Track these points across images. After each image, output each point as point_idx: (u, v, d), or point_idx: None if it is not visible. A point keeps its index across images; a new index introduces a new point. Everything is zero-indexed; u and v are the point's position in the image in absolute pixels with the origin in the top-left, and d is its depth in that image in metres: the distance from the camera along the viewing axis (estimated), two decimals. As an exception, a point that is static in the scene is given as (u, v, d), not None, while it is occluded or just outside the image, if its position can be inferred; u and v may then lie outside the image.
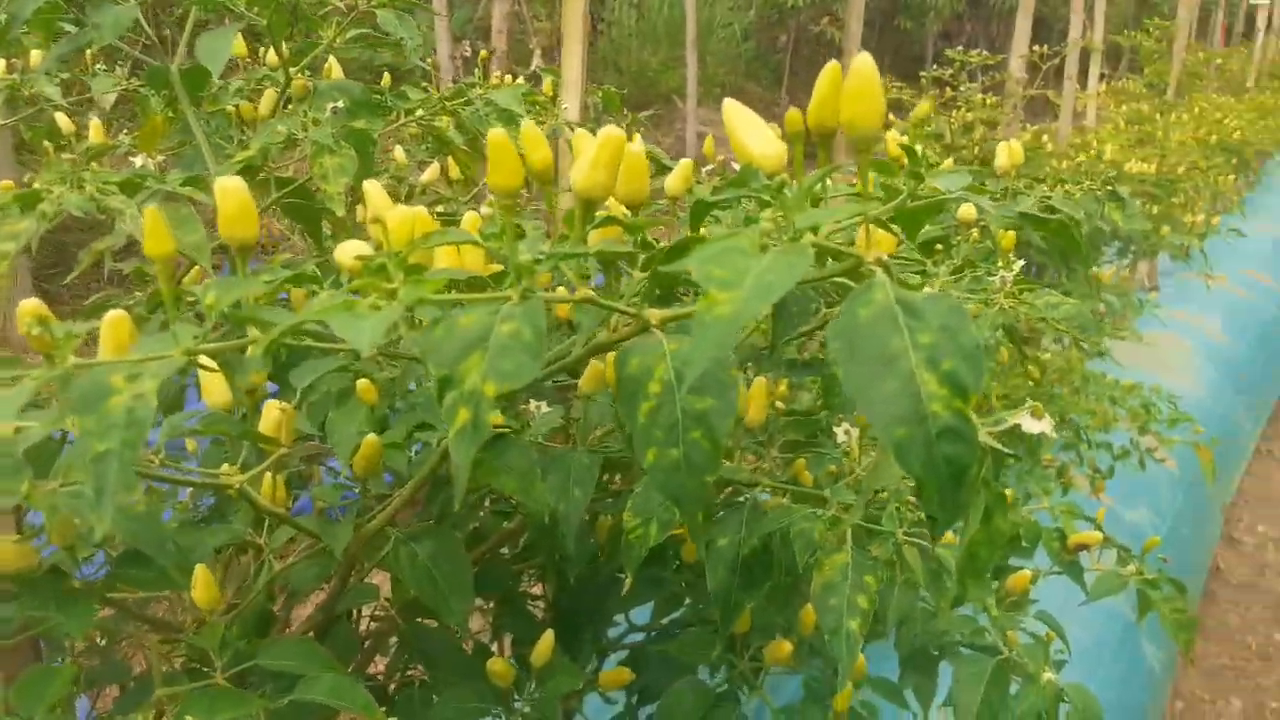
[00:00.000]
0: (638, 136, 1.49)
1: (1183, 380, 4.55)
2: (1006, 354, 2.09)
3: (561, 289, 0.64)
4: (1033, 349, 2.41)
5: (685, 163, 0.73)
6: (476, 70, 1.18)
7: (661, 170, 1.51)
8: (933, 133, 3.16)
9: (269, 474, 0.79)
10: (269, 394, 0.88)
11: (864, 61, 0.41)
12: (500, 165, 0.45)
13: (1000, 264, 0.91)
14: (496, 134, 0.45)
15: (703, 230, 0.52)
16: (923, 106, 0.63)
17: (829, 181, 0.61)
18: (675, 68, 10.13)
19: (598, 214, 0.52)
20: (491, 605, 1.22)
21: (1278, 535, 4.23)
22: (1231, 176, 5.07)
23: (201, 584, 0.75)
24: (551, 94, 1.45)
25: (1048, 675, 0.89)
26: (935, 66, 3.37)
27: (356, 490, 0.95)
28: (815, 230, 0.39)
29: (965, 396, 0.37)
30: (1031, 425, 0.41)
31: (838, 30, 10.62)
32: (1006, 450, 0.41)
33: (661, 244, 0.60)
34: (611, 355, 0.63)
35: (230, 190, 0.48)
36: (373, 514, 0.80)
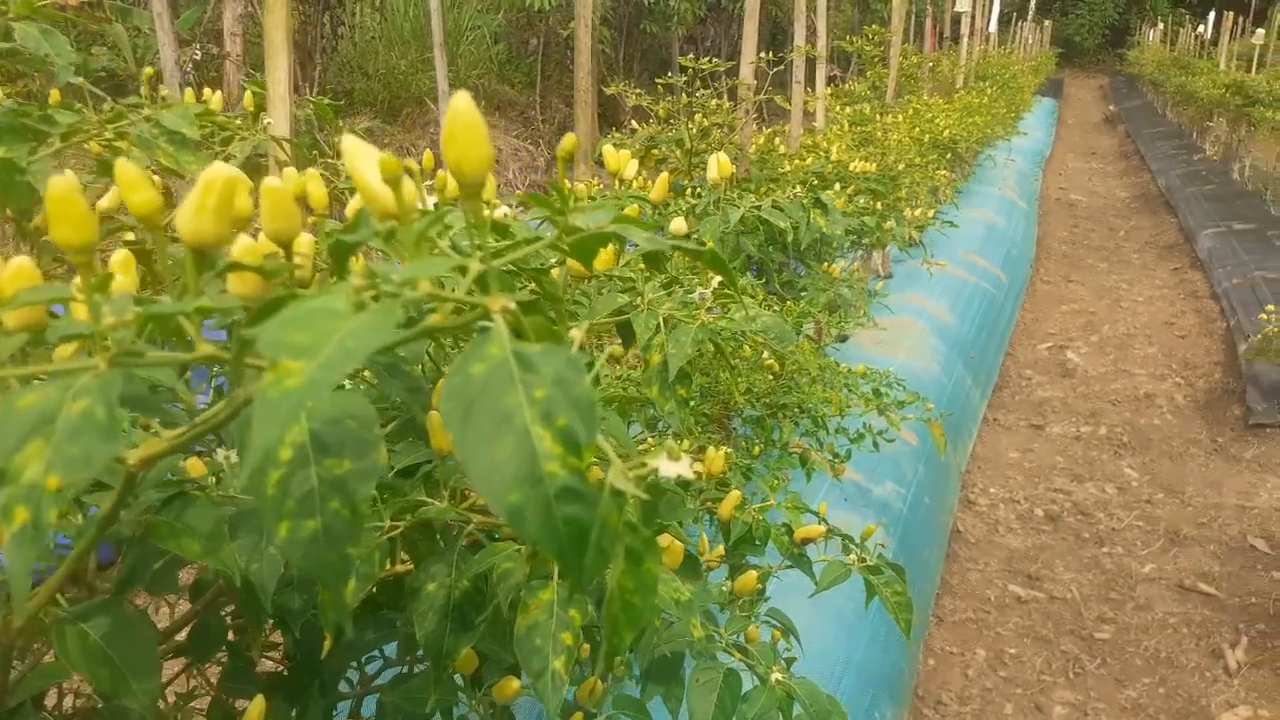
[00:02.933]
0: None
1: (919, 359, 4.93)
2: (749, 350, 2.17)
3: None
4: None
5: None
6: (190, 85, 1.07)
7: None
8: (674, 138, 3.25)
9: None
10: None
11: (462, 102, 0.38)
12: (63, 218, 0.39)
13: (700, 280, 0.93)
14: (55, 183, 0.39)
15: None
16: (568, 139, 0.61)
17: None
18: (425, 70, 9.94)
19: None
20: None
21: (1006, 495, 4.65)
22: (944, 171, 5.53)
23: None
24: (254, 108, 1.36)
25: (776, 675, 0.91)
26: (669, 74, 3.46)
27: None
28: (438, 281, 0.37)
29: (579, 453, 0.35)
30: (669, 469, 0.40)
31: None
32: (645, 496, 0.39)
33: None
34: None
35: None
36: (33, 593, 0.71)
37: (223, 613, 1.10)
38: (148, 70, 1.11)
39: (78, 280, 0.49)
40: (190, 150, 1.01)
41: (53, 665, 0.92)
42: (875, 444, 2.42)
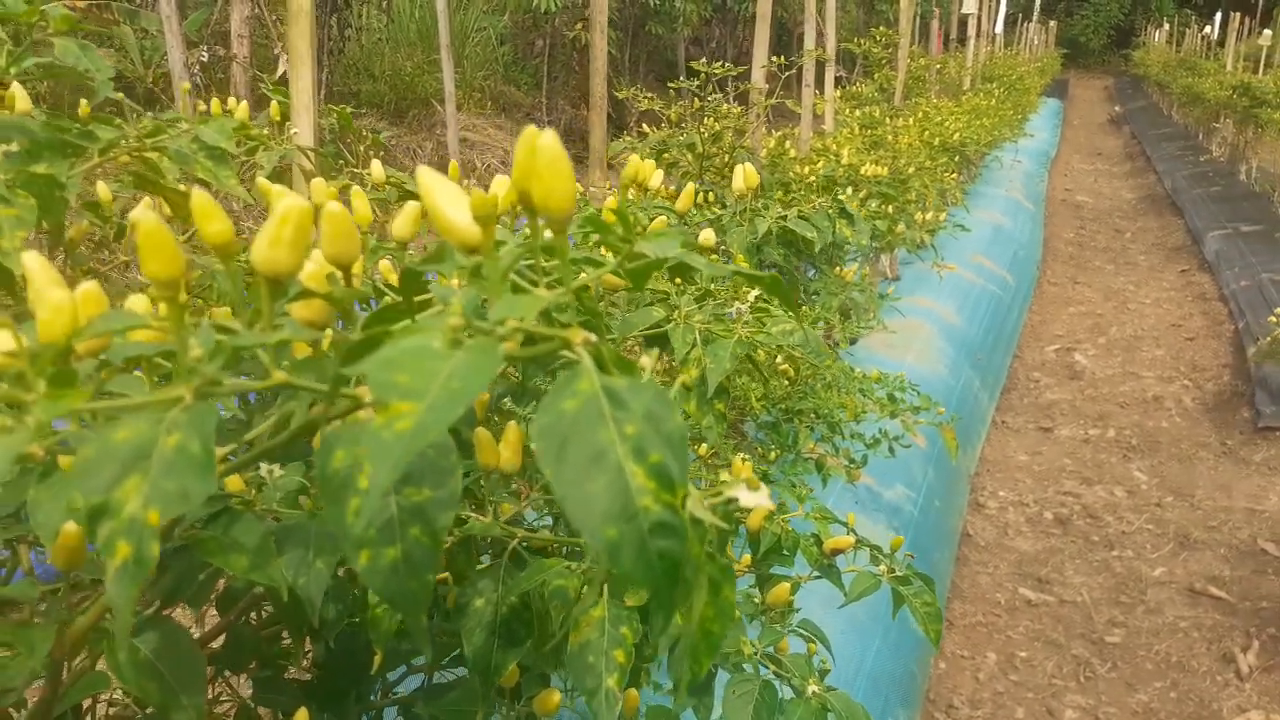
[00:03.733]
0: (376, 163, 1.42)
1: (928, 361, 4.93)
2: (763, 354, 2.17)
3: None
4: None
5: (411, 206, 0.69)
6: (200, 101, 1.07)
7: (405, 195, 1.46)
8: (685, 142, 3.25)
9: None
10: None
11: (548, 139, 0.39)
12: (155, 252, 0.40)
13: (737, 294, 0.93)
14: (146, 219, 0.39)
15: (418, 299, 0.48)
16: (631, 166, 0.62)
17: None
18: (432, 71, 9.93)
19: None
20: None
21: (1016, 498, 4.65)
22: (954, 174, 5.53)
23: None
24: (279, 117, 1.36)
25: (812, 688, 0.91)
26: (682, 77, 3.47)
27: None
28: (541, 315, 0.37)
29: (673, 488, 0.36)
30: (748, 499, 0.41)
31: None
32: (725, 526, 0.40)
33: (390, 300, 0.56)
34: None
35: None
36: (84, 607, 0.71)
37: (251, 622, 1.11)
38: (184, 85, 1.12)
39: (131, 302, 0.50)
40: (228, 165, 1.02)
41: (92, 676, 0.92)
42: (891, 449, 2.42)
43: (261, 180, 1.17)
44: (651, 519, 0.35)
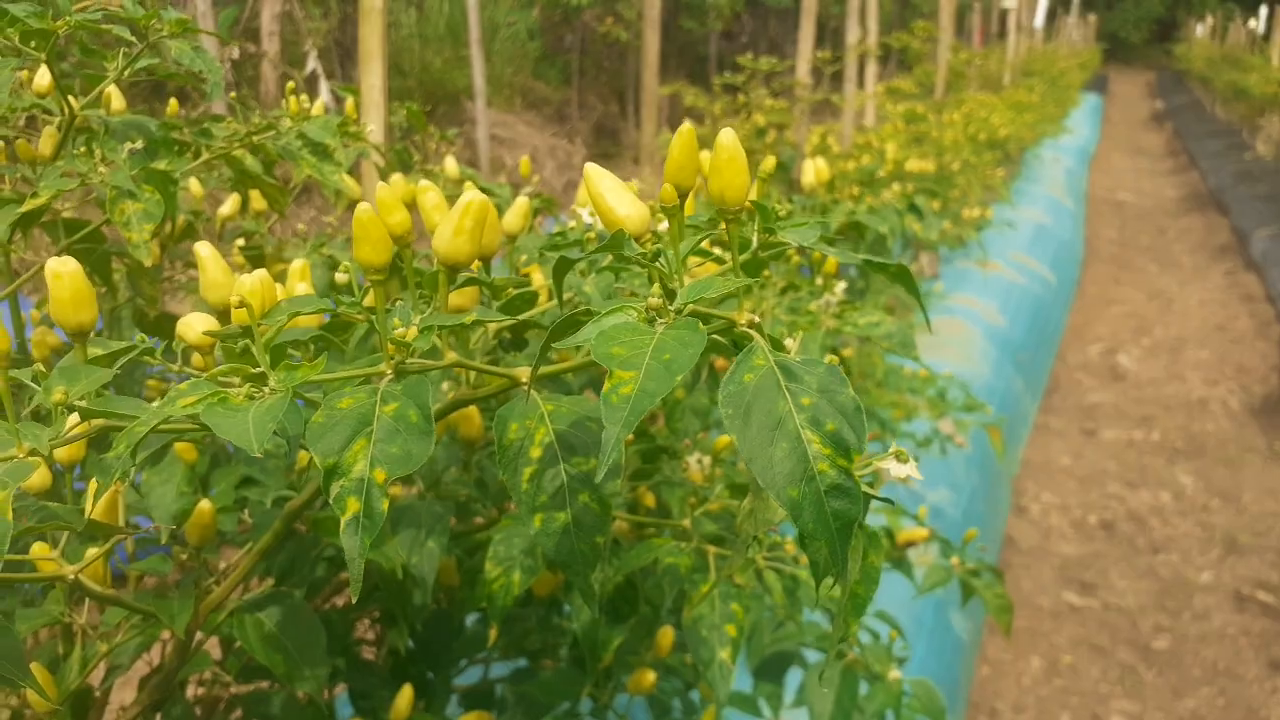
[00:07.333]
0: (450, 160, 1.46)
1: (970, 362, 4.90)
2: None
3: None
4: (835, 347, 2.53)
5: (521, 201, 0.72)
6: (287, 100, 1.11)
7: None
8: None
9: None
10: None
11: (727, 139, 0.42)
12: (367, 239, 0.43)
13: (824, 286, 0.96)
14: (363, 209, 0.43)
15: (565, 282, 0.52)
16: (769, 161, 0.64)
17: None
18: (460, 67, 9.95)
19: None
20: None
21: (1059, 502, 4.62)
22: (1000, 171, 5.50)
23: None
24: (354, 115, 1.40)
25: (894, 674, 0.94)
26: (727, 73, 3.49)
27: (171, 550, 0.89)
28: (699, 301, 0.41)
29: (848, 455, 0.39)
30: (898, 469, 0.44)
31: (622, 31, 10.75)
32: (875, 495, 0.43)
33: (512, 292, 0.59)
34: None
35: (65, 275, 0.43)
36: (209, 584, 0.75)
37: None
38: (289, 84, 1.16)
39: (296, 271, 0.53)
40: (331, 160, 1.06)
41: (195, 657, 0.97)
42: (943, 448, 2.43)
43: (343, 176, 1.21)
44: (828, 482, 0.39)
